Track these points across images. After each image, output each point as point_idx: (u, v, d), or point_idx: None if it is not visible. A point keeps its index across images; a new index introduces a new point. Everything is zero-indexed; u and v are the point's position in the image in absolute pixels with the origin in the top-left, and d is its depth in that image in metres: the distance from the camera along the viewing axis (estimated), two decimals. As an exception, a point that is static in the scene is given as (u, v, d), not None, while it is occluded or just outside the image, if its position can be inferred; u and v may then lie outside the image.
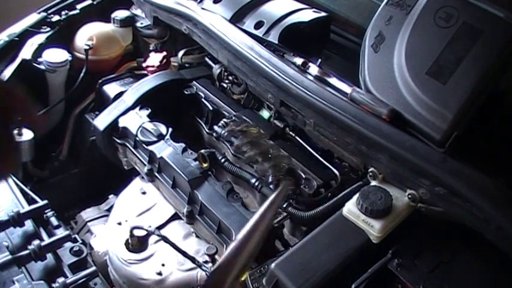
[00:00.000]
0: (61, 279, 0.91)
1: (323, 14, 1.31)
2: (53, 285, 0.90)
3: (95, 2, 1.68)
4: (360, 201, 0.88)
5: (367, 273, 0.82)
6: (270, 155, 0.37)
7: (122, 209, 1.27)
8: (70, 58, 1.49)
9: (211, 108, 1.32)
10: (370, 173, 0.98)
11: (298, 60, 1.14)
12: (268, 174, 0.40)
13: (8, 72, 1.40)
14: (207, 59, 1.48)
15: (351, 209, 0.90)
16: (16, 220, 1.01)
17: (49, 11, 1.60)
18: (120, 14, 1.63)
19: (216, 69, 1.41)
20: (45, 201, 1.08)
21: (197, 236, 1.17)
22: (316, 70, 1.11)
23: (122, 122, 1.28)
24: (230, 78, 1.39)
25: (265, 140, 0.36)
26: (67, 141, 1.58)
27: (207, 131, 1.32)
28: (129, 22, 1.63)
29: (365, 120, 0.95)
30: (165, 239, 1.08)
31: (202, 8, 1.35)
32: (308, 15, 1.29)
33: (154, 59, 1.48)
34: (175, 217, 1.20)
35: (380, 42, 1.03)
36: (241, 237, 0.38)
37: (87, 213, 1.40)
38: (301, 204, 1.06)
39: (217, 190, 1.09)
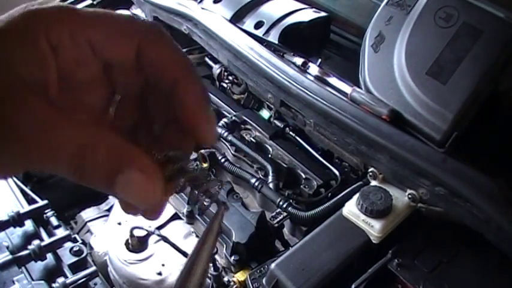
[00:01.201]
0: (61, 279, 0.91)
1: (323, 14, 1.31)
2: (53, 285, 0.90)
3: (95, 2, 1.68)
4: (360, 201, 0.88)
5: (367, 273, 0.82)
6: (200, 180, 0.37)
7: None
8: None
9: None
10: (370, 173, 0.98)
11: (298, 60, 1.14)
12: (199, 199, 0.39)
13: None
14: (207, 59, 1.48)
15: (351, 209, 0.90)
16: (16, 220, 1.00)
17: (49, 11, 1.60)
18: (120, 14, 1.63)
19: (216, 69, 1.41)
20: (45, 201, 1.08)
21: (197, 236, 1.17)
22: (316, 70, 1.11)
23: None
24: (230, 78, 1.39)
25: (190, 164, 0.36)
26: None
27: (207, 131, 1.32)
28: (129, 22, 1.63)
29: (365, 120, 0.95)
30: (165, 239, 1.08)
31: (202, 8, 1.35)
32: (308, 15, 1.29)
33: (154, 59, 1.48)
34: (175, 217, 1.20)
35: (380, 42, 1.03)
36: (184, 271, 0.38)
37: (87, 213, 1.40)
38: (301, 204, 1.06)
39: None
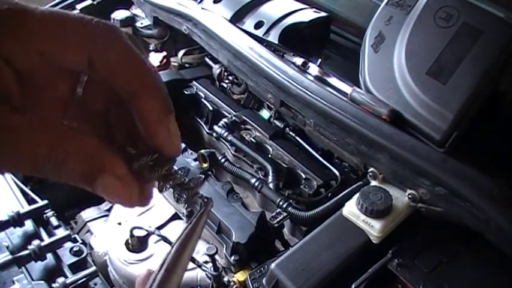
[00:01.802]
0: (61, 279, 0.91)
1: (323, 14, 1.31)
2: (53, 285, 0.90)
3: (95, 2, 1.68)
4: (360, 201, 0.88)
5: (367, 273, 0.82)
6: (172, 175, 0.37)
7: (122, 209, 1.27)
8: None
9: (211, 108, 1.32)
10: (370, 173, 0.98)
11: (298, 60, 1.14)
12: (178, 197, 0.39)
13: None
14: (207, 59, 1.48)
15: (351, 209, 0.90)
16: (16, 220, 1.00)
17: (49, 11, 1.60)
18: (120, 14, 1.63)
19: (216, 69, 1.41)
20: (45, 201, 1.08)
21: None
22: (316, 70, 1.11)
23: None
24: (230, 78, 1.39)
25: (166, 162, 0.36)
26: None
27: (207, 131, 1.32)
28: (129, 22, 1.63)
29: (365, 120, 0.95)
30: (165, 239, 1.08)
31: (202, 8, 1.35)
32: (308, 15, 1.29)
33: (154, 59, 1.48)
34: (175, 217, 1.20)
35: (380, 42, 1.03)
36: (163, 270, 0.38)
37: (87, 213, 1.40)
38: (301, 204, 1.06)
39: (217, 190, 1.09)
